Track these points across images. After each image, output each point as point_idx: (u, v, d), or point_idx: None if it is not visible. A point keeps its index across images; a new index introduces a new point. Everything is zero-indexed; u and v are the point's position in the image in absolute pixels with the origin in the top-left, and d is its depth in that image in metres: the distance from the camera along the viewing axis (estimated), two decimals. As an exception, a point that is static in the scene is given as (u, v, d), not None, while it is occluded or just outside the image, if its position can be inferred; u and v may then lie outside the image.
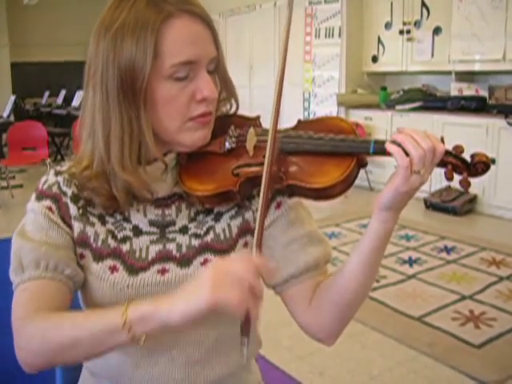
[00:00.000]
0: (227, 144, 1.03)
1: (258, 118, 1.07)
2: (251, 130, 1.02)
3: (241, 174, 0.99)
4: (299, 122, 1.04)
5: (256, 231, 0.88)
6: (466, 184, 0.91)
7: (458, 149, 0.91)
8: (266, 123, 0.98)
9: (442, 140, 0.90)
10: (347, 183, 0.94)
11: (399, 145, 0.87)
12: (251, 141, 1.01)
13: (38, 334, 0.87)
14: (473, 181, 0.92)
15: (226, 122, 1.06)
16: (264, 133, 0.99)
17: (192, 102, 0.97)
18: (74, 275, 0.97)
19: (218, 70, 1.02)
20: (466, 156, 0.91)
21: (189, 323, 0.79)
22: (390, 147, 0.88)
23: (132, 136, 0.95)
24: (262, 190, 0.89)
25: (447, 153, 0.90)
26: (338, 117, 1.05)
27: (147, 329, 0.81)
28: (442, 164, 0.90)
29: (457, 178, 0.92)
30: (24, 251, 0.96)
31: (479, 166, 0.90)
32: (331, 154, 0.95)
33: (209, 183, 1.00)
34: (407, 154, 0.86)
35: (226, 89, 1.07)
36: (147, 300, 0.83)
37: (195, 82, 0.96)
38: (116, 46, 0.93)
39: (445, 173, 0.91)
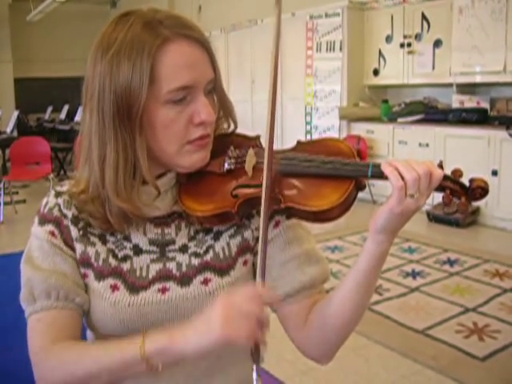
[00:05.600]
0: (226, 165, 1.03)
1: (257, 137, 1.07)
2: (250, 151, 1.02)
3: (239, 196, 0.98)
4: (298, 143, 1.03)
5: (259, 259, 0.89)
6: (463, 208, 0.90)
7: (457, 173, 0.91)
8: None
9: (441, 164, 0.90)
10: (345, 206, 0.94)
11: (395, 168, 0.87)
12: (250, 162, 1.01)
13: (60, 367, 0.92)
14: None
15: (225, 141, 1.06)
16: (263, 154, 0.97)
17: (190, 126, 0.97)
18: (83, 303, 1.00)
19: (215, 90, 1.02)
20: (465, 179, 0.91)
21: (202, 355, 0.85)
22: (385, 168, 0.88)
23: (127, 161, 0.95)
24: (262, 211, 0.90)
25: (445, 177, 0.89)
26: (337, 139, 1.04)
27: (164, 360, 0.86)
28: (440, 188, 0.89)
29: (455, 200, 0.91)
30: (34, 282, 0.99)
31: (477, 191, 0.89)
32: (329, 177, 0.94)
33: (207, 204, 1.00)
34: (402, 178, 0.86)
35: (224, 108, 1.07)
36: (161, 332, 0.88)
37: (193, 106, 0.96)
38: (112, 71, 0.93)
39: (443, 197, 0.90)
